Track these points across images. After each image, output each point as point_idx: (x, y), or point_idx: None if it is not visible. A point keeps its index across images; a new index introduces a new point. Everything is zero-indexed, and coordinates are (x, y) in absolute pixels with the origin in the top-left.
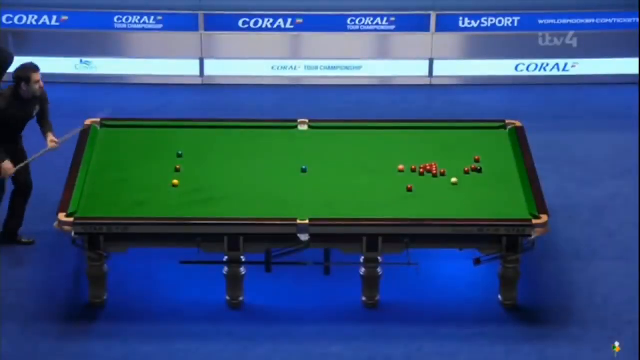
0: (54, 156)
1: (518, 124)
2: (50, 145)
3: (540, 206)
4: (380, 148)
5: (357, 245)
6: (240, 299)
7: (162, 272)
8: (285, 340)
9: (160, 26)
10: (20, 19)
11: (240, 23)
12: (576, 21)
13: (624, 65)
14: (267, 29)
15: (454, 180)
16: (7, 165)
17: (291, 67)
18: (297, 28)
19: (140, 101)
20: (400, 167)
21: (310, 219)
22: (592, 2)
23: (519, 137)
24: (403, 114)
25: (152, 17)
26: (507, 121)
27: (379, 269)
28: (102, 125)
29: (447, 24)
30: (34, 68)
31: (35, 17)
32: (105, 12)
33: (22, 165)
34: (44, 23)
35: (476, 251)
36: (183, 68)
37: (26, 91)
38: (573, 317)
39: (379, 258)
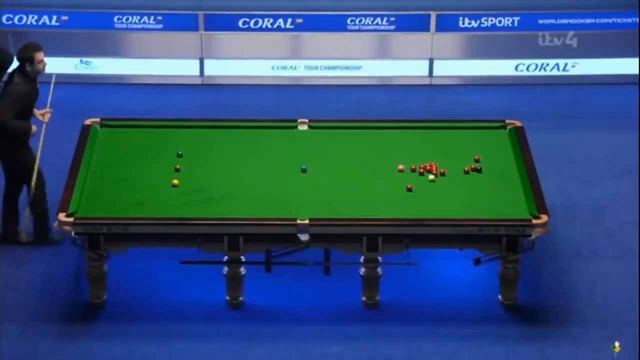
0: (54, 156)
1: (518, 124)
2: (45, 118)
3: (540, 206)
4: (380, 148)
5: (357, 245)
6: (240, 299)
7: (162, 272)
8: (285, 340)
9: (160, 26)
10: (20, 19)
11: (240, 23)
12: (576, 21)
13: (624, 65)
14: (267, 29)
15: (431, 177)
16: (34, 127)
17: (291, 67)
18: (297, 28)
19: (140, 101)
20: (400, 167)
21: (310, 219)
22: (592, 2)
23: (519, 137)
24: (403, 114)
25: (152, 17)
26: (507, 121)
27: (379, 269)
28: (102, 125)
29: (447, 24)
30: (36, 47)
31: (35, 17)
32: (105, 12)
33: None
34: (44, 23)
35: (476, 251)
36: (183, 68)
37: (31, 71)
38: (573, 317)
39: (379, 258)
